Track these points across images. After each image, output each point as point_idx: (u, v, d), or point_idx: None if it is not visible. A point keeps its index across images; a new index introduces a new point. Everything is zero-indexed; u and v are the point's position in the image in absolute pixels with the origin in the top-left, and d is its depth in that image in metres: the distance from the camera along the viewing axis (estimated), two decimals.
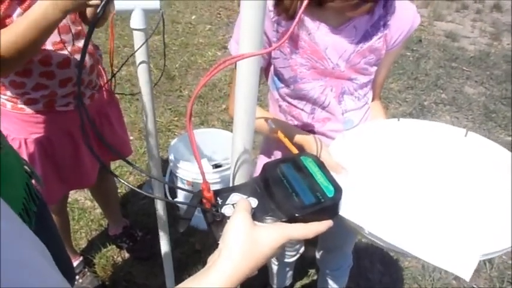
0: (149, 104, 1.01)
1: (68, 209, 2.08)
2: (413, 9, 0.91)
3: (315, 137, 0.89)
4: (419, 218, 0.64)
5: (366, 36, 0.88)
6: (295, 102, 0.98)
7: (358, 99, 0.97)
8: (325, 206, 0.51)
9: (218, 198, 0.54)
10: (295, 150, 0.69)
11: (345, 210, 0.54)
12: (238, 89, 0.53)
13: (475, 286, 1.80)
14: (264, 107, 1.09)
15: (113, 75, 1.09)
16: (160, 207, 1.24)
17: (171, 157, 1.85)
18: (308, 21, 0.87)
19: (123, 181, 0.47)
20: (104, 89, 1.35)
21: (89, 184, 1.49)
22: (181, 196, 1.97)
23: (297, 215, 0.49)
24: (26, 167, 0.90)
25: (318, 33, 0.87)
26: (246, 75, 0.51)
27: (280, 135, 0.74)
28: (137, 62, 0.93)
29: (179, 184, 1.92)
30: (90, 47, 1.23)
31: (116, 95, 1.46)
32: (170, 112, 2.88)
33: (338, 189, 0.53)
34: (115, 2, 0.84)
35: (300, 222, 0.49)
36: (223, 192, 0.55)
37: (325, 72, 0.91)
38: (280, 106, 1.02)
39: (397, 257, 1.93)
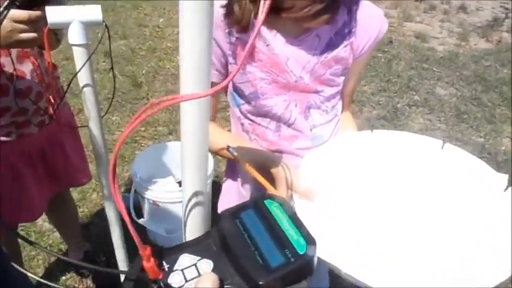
0: (98, 129, 0.89)
1: (23, 232, 1.92)
2: (380, 14, 0.83)
3: (282, 162, 0.79)
4: (396, 252, 0.59)
5: (330, 46, 0.80)
6: (258, 119, 0.88)
7: (326, 113, 0.89)
8: (296, 267, 0.41)
9: (164, 263, 0.44)
10: (266, 184, 0.59)
11: (319, 249, 0.45)
12: (185, 132, 0.43)
13: None
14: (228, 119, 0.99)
15: (58, 105, 0.96)
16: (115, 229, 1.13)
17: (135, 175, 1.72)
18: (264, 31, 0.78)
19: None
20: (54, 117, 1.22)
21: (34, 218, 1.35)
22: (146, 213, 1.84)
23: (260, 283, 0.40)
24: None
25: (276, 42, 0.78)
26: (192, 117, 0.41)
27: (248, 167, 0.64)
28: (80, 84, 0.81)
29: (145, 203, 1.80)
30: (35, 72, 1.09)
31: (74, 121, 1.35)
32: None
33: (311, 243, 0.43)
34: (47, 14, 0.73)
35: None
36: (171, 254, 0.45)
37: (288, 86, 0.82)
38: (242, 124, 0.92)
39: None
